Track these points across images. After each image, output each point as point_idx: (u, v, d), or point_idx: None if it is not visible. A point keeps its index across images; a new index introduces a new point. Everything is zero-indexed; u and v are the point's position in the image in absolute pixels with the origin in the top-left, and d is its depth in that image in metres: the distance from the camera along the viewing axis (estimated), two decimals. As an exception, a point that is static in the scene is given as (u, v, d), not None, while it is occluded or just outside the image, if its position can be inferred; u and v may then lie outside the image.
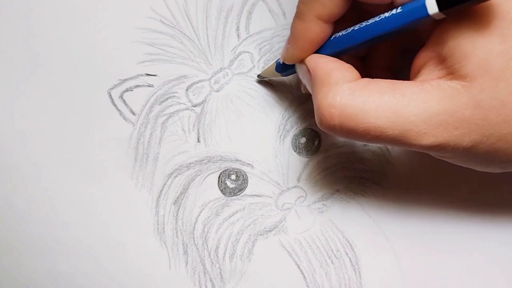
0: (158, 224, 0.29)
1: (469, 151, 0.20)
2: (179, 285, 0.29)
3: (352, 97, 0.20)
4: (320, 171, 0.30)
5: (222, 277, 0.29)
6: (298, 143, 0.30)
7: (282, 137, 0.30)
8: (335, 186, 0.30)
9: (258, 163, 0.29)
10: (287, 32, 0.25)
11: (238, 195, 0.29)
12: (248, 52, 0.30)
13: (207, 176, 0.29)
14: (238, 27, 0.30)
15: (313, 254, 0.29)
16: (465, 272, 0.29)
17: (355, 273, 0.29)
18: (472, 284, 0.29)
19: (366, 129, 0.20)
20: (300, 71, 0.25)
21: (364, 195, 0.30)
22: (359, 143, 0.30)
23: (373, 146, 0.30)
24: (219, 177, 0.29)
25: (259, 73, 0.29)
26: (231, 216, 0.29)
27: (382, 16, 0.21)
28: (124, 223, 0.29)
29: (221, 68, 0.30)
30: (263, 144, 0.29)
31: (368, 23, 0.21)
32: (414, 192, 0.29)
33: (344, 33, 0.23)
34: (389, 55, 0.27)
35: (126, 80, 0.29)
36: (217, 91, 0.29)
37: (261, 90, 0.30)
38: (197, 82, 0.29)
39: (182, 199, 0.29)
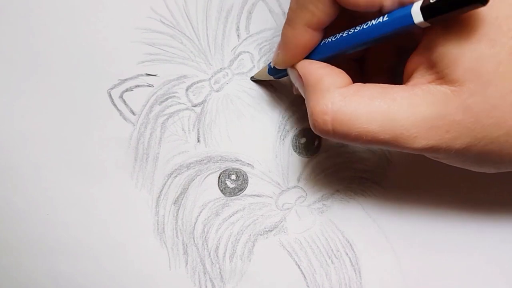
0: (158, 224, 0.29)
1: (462, 153, 0.20)
2: (179, 285, 0.29)
3: (344, 103, 0.21)
4: (320, 171, 0.30)
5: (222, 277, 0.29)
6: (298, 143, 0.30)
7: (282, 137, 0.30)
8: (335, 186, 0.30)
9: (258, 163, 0.29)
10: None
11: (238, 195, 0.29)
12: (248, 52, 0.30)
13: (207, 176, 0.29)
14: (238, 27, 0.30)
15: (313, 254, 0.29)
16: (465, 272, 0.29)
17: (355, 273, 0.29)
18: (472, 284, 0.29)
19: (359, 134, 0.20)
20: (292, 75, 0.25)
21: (364, 195, 0.30)
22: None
23: (373, 146, 0.30)
24: (219, 177, 0.29)
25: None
26: (231, 216, 0.29)
27: (369, 23, 0.21)
28: (124, 223, 0.29)
29: (221, 68, 0.30)
30: (263, 144, 0.29)
31: (356, 30, 0.22)
32: (414, 192, 0.29)
33: (333, 39, 0.23)
34: (386, 56, 0.27)
35: (126, 80, 0.29)
36: (217, 91, 0.29)
37: (261, 90, 0.30)
38: (197, 82, 0.29)
39: (182, 199, 0.29)
